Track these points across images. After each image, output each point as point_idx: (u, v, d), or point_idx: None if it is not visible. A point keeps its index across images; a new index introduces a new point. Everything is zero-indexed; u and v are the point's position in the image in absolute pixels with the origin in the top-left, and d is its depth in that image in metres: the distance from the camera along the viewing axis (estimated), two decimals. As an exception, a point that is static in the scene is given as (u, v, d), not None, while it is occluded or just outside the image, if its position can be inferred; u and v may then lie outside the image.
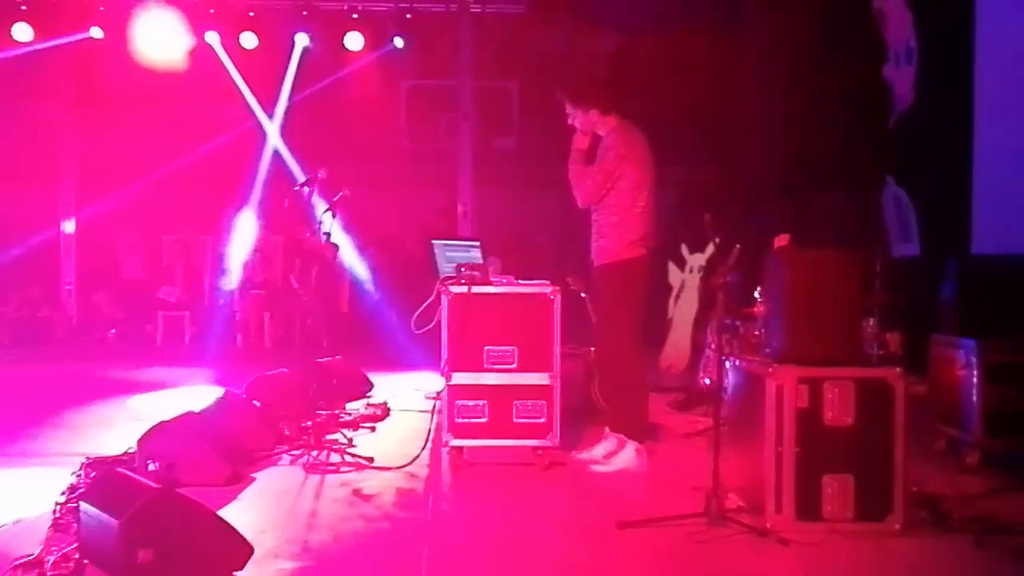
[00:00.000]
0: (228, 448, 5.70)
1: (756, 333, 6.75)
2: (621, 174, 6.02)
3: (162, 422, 5.72)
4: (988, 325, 6.08)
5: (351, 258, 12.87)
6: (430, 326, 6.05)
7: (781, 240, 6.43)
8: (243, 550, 4.08)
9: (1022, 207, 7.94)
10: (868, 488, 4.66)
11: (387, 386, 8.84)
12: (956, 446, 6.16)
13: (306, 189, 6.70)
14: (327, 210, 6.67)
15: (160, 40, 12.18)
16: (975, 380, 5.95)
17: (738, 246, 5.85)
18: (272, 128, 13.27)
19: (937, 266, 6.82)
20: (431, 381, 6.78)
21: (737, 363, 5.40)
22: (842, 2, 11.04)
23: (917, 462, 5.26)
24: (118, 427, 6.90)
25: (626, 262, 6.02)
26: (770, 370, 4.75)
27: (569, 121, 6.21)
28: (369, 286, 12.64)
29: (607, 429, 6.16)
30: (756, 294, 6.73)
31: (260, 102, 13.43)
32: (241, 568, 4.03)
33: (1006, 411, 5.89)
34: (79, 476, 5.23)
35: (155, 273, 13.22)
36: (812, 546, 4.47)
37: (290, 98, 13.27)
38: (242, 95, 13.33)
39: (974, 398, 5.95)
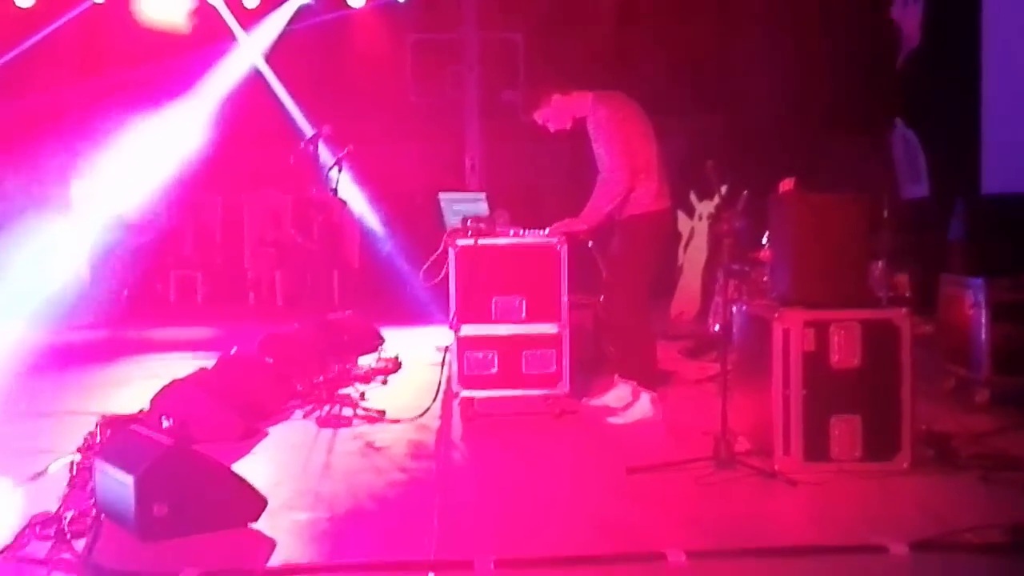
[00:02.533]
0: (241, 404, 5.76)
1: (764, 279, 6.76)
2: (628, 132, 5.99)
3: (175, 380, 5.79)
4: (996, 264, 6.08)
5: (362, 212, 12.89)
6: (439, 279, 6.07)
7: (786, 184, 6.40)
8: (257, 502, 4.14)
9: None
10: (876, 428, 4.69)
11: (399, 340, 8.89)
12: (965, 385, 6.18)
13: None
14: (333, 165, 6.67)
15: (164, 3, 12.13)
16: (984, 319, 5.97)
17: (745, 192, 5.82)
18: (257, 58, 13.06)
19: (946, 207, 6.80)
20: (442, 334, 6.83)
21: (745, 308, 5.42)
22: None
23: (926, 402, 5.30)
24: (132, 386, 6.96)
25: (656, 213, 6.03)
26: (776, 314, 4.77)
27: (545, 124, 6.16)
28: (382, 240, 12.66)
29: (616, 376, 6.20)
30: (764, 239, 6.74)
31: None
32: (255, 520, 4.10)
33: (1015, 349, 5.92)
34: (94, 434, 5.29)
35: (165, 233, 13.25)
36: (820, 486, 4.52)
37: (278, 40, 13.10)
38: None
39: (983, 337, 5.97)
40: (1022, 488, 4.42)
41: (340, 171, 6.67)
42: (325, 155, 6.85)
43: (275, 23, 12.99)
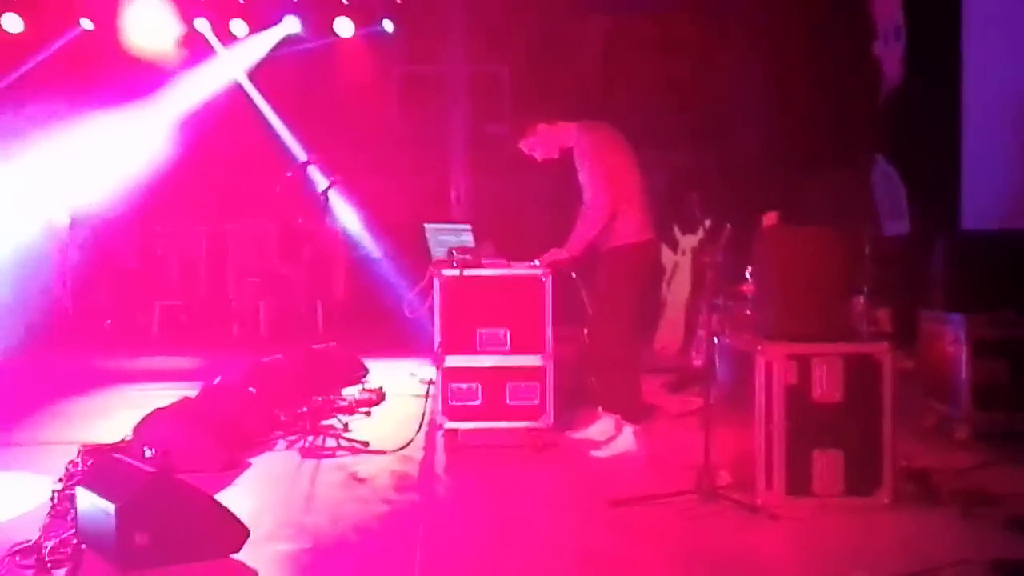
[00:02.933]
0: (224, 434, 5.74)
1: (747, 312, 6.80)
2: (611, 162, 6.05)
3: (158, 409, 5.78)
4: (976, 300, 6.12)
5: (349, 243, 12.92)
6: (423, 310, 6.09)
7: (769, 218, 6.47)
8: (239, 533, 4.13)
9: (1010, 183, 7.98)
10: (857, 463, 4.71)
11: (383, 371, 8.88)
12: (946, 421, 6.21)
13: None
14: (321, 194, 6.70)
15: (150, 28, 12.16)
16: (964, 355, 6.00)
17: (729, 226, 5.88)
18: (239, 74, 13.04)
19: (927, 243, 6.86)
20: (427, 365, 6.85)
21: (727, 342, 5.45)
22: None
23: (907, 437, 5.32)
24: (115, 415, 6.93)
25: (640, 244, 6.07)
26: (759, 347, 4.79)
27: (531, 153, 6.22)
28: (374, 265, 12.68)
29: (600, 409, 6.21)
30: (747, 273, 6.78)
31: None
32: (238, 551, 4.09)
33: (995, 385, 5.95)
34: (76, 463, 5.27)
35: (149, 264, 13.23)
36: (801, 521, 4.54)
37: (266, 67, 13.13)
38: (235, 84, 13.30)
39: (963, 373, 6.01)
40: (1001, 524, 4.44)
41: (328, 200, 6.70)
42: (312, 184, 6.88)
43: (260, 46, 13.04)
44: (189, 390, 6.73)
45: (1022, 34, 7.87)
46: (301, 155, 11.53)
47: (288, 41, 13.05)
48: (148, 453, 5.33)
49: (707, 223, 9.50)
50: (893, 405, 4.73)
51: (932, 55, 9.25)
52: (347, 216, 12.53)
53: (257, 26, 12.85)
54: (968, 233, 8.05)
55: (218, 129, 12.62)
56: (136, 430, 5.60)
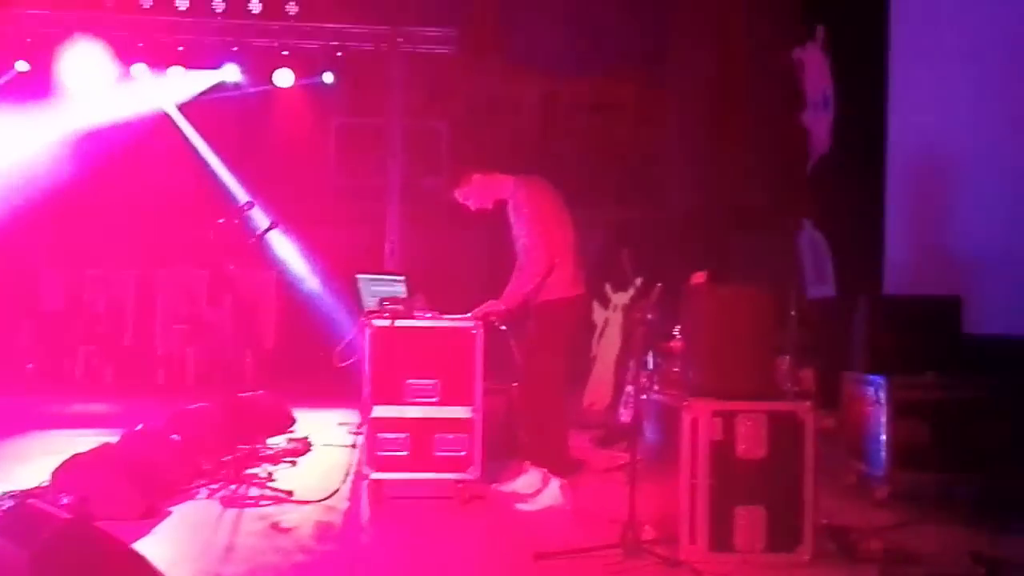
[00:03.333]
0: (144, 481, 5.62)
1: (675, 369, 6.86)
2: (546, 216, 6.12)
3: (76, 454, 5.66)
4: (897, 363, 6.27)
5: (283, 288, 12.85)
6: (353, 360, 6.07)
7: (698, 277, 6.56)
8: (156, 582, 4.04)
9: (930, 250, 8.21)
10: (779, 520, 4.76)
11: (310, 421, 8.80)
12: (866, 480, 6.31)
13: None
14: (256, 240, 6.68)
15: (86, 73, 12.09)
16: (884, 416, 6.13)
17: (659, 285, 5.97)
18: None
19: (850, 306, 7.02)
20: (355, 416, 6.81)
21: (655, 398, 5.50)
22: (763, 51, 11.35)
23: (829, 496, 5.40)
24: (33, 460, 6.76)
25: (571, 299, 6.13)
26: (685, 403, 4.85)
27: (465, 202, 6.29)
28: (307, 312, 12.60)
29: (527, 463, 6.22)
30: (675, 331, 6.86)
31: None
32: (154, 600, 4.00)
33: (914, 446, 6.08)
34: (-11, 508, 5.13)
35: (75, 307, 13.01)
36: (724, 576, 4.57)
37: (202, 114, 13.12)
38: (170, 127, 13.24)
39: (883, 434, 6.13)
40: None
41: (266, 243, 6.67)
42: (249, 228, 6.85)
43: (195, 84, 13.02)
44: (111, 436, 6.60)
45: (942, 108, 8.16)
46: (238, 199, 11.47)
47: (227, 87, 13.05)
48: (65, 500, 5.20)
49: (638, 281, 9.60)
50: (815, 463, 4.80)
51: (859, 126, 9.53)
52: (284, 259, 12.49)
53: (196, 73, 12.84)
54: (890, 297, 8.24)
55: (153, 174, 12.55)
56: (54, 475, 5.48)
